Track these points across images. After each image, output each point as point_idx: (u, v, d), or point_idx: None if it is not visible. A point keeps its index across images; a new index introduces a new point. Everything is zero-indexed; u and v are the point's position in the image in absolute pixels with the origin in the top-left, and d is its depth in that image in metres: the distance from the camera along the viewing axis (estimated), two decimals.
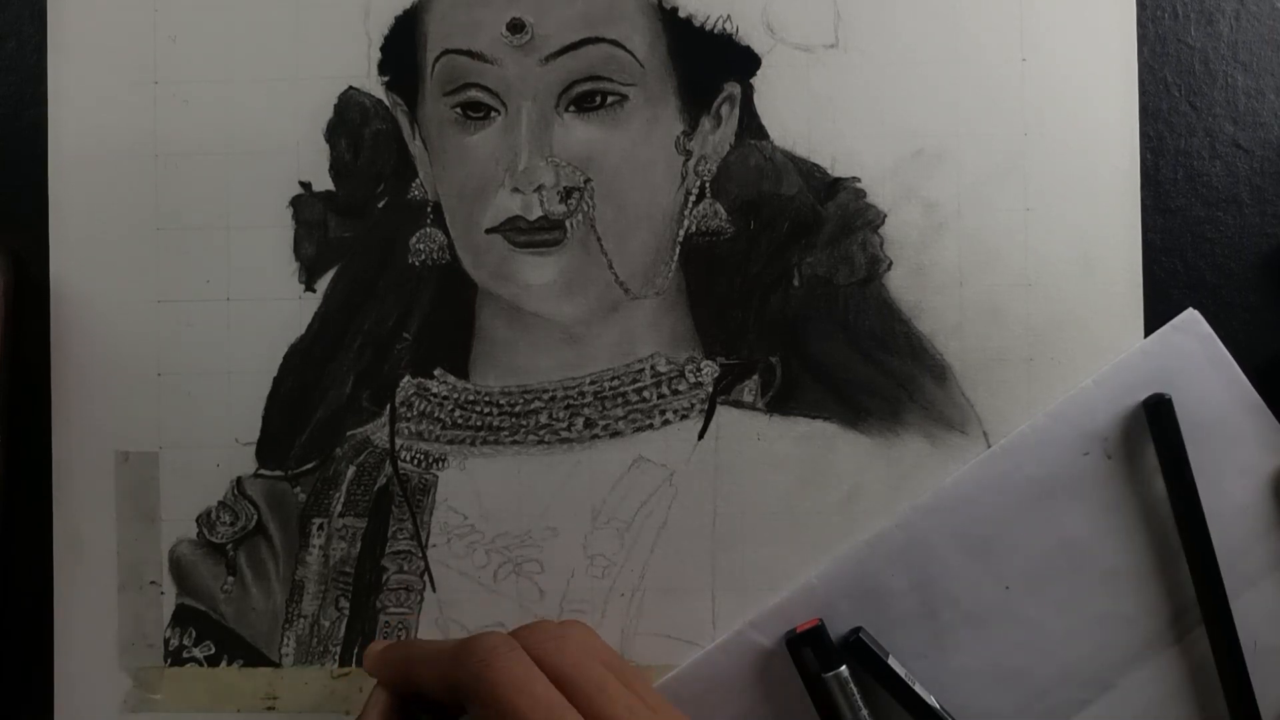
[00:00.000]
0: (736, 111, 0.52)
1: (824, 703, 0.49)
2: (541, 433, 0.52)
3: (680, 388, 0.52)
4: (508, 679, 0.42)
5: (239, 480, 0.52)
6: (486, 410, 0.52)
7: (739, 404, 0.52)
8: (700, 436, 0.52)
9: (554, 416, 0.52)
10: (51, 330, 0.52)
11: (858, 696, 0.49)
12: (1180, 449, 0.49)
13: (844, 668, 0.49)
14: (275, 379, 0.52)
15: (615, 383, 0.52)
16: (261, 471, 0.52)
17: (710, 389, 0.52)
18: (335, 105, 0.52)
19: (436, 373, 0.52)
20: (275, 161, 0.52)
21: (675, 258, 0.52)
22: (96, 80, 0.52)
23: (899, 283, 0.51)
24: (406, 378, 0.52)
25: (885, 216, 0.51)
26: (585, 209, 0.52)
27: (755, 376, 0.52)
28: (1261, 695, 0.49)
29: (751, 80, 0.52)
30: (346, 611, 0.52)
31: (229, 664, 0.52)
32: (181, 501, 0.52)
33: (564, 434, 0.52)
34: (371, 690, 0.47)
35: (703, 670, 0.51)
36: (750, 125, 0.52)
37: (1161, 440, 0.49)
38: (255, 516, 0.52)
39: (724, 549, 0.52)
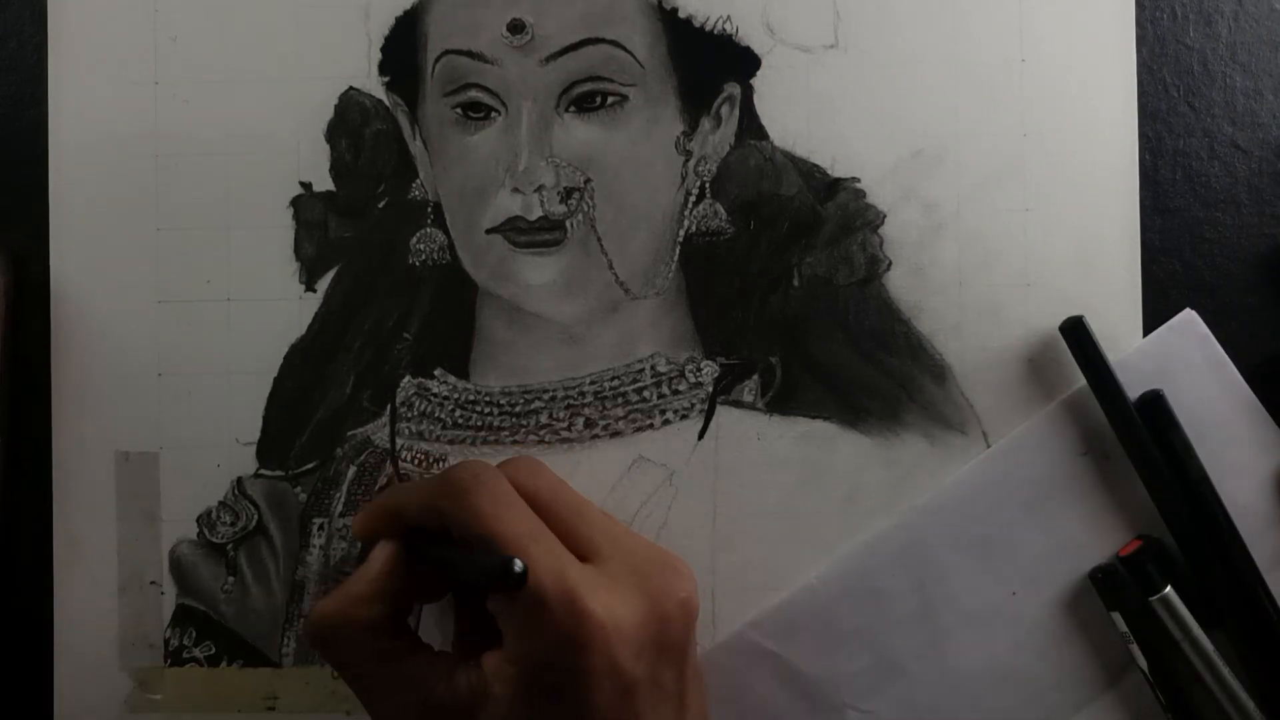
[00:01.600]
0: (736, 112, 0.52)
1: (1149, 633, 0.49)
2: (542, 433, 0.52)
3: (680, 388, 0.52)
4: (489, 504, 0.44)
5: (239, 480, 0.52)
6: (487, 410, 0.52)
7: (739, 404, 0.52)
8: (700, 436, 0.52)
9: (554, 416, 0.52)
10: (51, 330, 0.52)
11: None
12: (1184, 441, 0.49)
13: (1169, 589, 0.49)
14: (276, 379, 0.52)
15: (615, 383, 0.52)
16: (262, 471, 0.52)
17: (710, 389, 0.52)
18: (336, 105, 0.52)
19: (437, 373, 0.52)
20: (276, 161, 0.52)
21: (675, 258, 0.52)
22: (96, 80, 0.52)
23: (899, 283, 0.52)
24: (407, 378, 0.52)
25: (885, 217, 0.52)
26: (585, 209, 0.52)
27: (755, 376, 0.52)
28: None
29: (751, 81, 0.52)
30: None
31: (229, 664, 0.52)
32: (182, 501, 0.52)
33: (564, 434, 0.52)
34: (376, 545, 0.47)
35: (703, 670, 0.51)
36: (750, 125, 0.52)
37: (1160, 436, 0.49)
38: (256, 516, 0.52)
39: (724, 549, 0.52)
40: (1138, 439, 0.49)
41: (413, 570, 0.47)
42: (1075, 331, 0.50)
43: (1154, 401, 0.49)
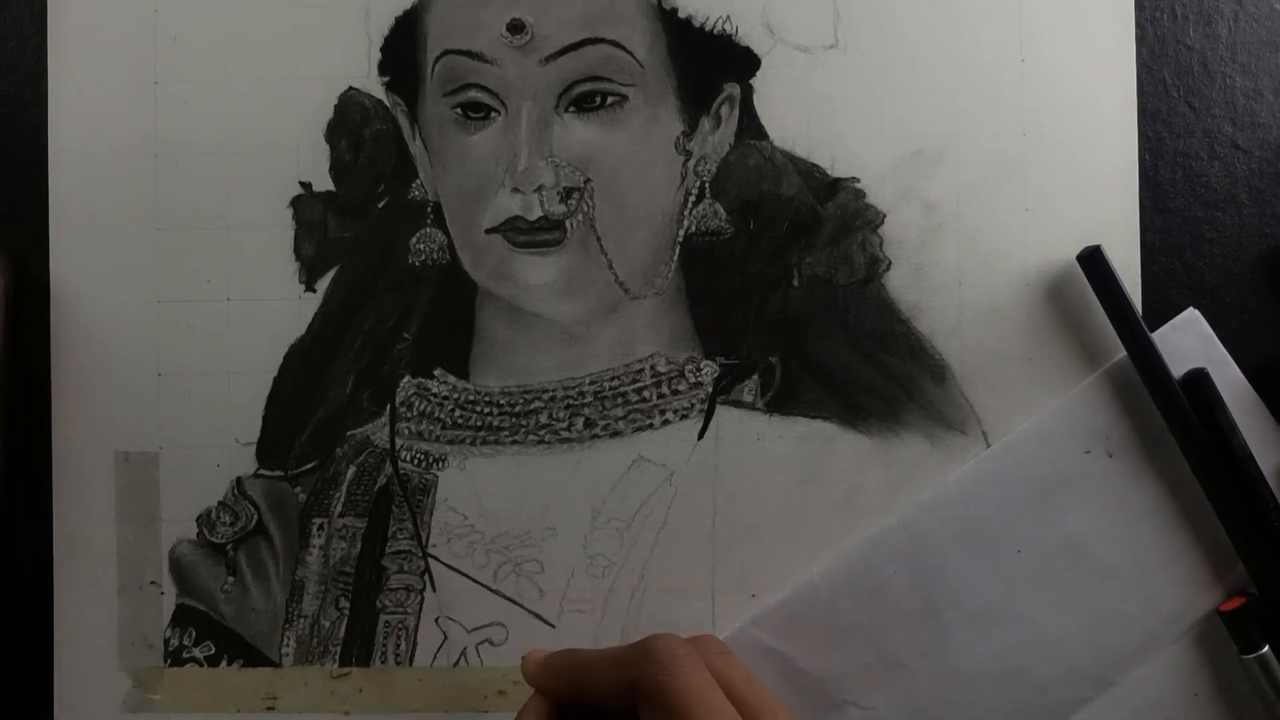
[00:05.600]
0: (736, 112, 0.52)
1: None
2: (541, 433, 0.52)
3: (680, 388, 0.52)
4: (687, 685, 0.42)
5: (239, 480, 0.52)
6: (486, 410, 0.52)
7: (739, 404, 0.52)
8: (700, 436, 0.52)
9: (554, 416, 0.52)
10: (51, 330, 0.52)
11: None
12: (1229, 420, 0.49)
13: (1267, 648, 0.49)
14: (275, 379, 0.52)
15: (615, 383, 0.52)
16: (261, 471, 0.52)
17: (710, 389, 0.52)
18: (335, 105, 0.52)
19: (436, 373, 0.52)
20: (275, 161, 0.52)
21: (675, 258, 0.52)
22: (96, 80, 0.52)
23: (898, 283, 0.52)
24: (406, 378, 0.52)
25: (885, 216, 0.52)
26: (585, 209, 0.52)
27: (755, 376, 0.52)
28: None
29: (751, 81, 0.52)
30: (347, 612, 0.52)
31: (229, 664, 0.52)
32: (181, 501, 0.52)
33: (564, 434, 0.52)
34: (528, 699, 0.47)
35: None
36: (750, 125, 0.52)
37: (1202, 413, 0.49)
38: (255, 516, 0.52)
39: (724, 549, 0.52)
40: (1183, 418, 0.49)
41: None
42: (1198, 384, 0.50)
43: (1198, 380, 0.49)
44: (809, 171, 0.52)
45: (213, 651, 0.52)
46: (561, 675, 0.46)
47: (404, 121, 0.52)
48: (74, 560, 0.52)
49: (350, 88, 0.52)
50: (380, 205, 0.52)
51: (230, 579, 0.52)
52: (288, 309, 0.52)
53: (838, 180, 0.52)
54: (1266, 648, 0.49)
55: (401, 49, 0.52)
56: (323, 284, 0.52)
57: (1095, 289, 0.50)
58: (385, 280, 0.52)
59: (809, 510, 0.51)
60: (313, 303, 0.52)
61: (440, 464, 0.52)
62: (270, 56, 0.52)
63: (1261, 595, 0.49)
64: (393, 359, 0.52)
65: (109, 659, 0.52)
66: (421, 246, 0.52)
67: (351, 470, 0.52)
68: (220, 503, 0.52)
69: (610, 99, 0.52)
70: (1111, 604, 0.50)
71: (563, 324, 0.52)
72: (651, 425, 0.52)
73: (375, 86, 0.52)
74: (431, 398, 0.52)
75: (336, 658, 0.52)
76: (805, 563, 0.51)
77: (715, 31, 0.52)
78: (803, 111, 0.52)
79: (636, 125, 0.52)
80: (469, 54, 0.52)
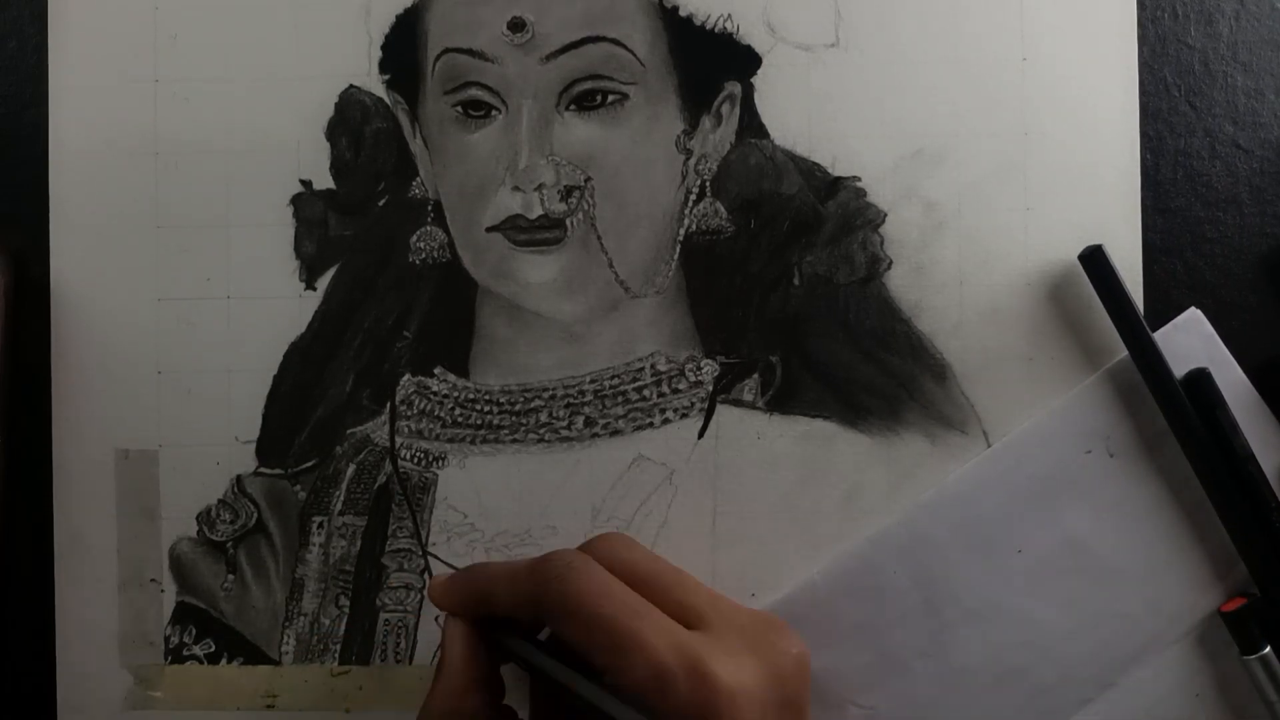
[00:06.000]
0: (737, 110, 0.52)
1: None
2: (541, 431, 0.52)
3: (680, 386, 0.52)
4: (588, 587, 0.43)
5: (239, 478, 0.52)
6: (486, 409, 0.52)
7: (739, 403, 0.52)
8: (700, 435, 0.52)
9: (554, 415, 0.52)
10: (51, 330, 0.52)
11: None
12: (1230, 421, 0.49)
13: (1269, 649, 0.49)
14: (275, 377, 0.52)
15: (615, 381, 0.52)
16: (261, 469, 0.52)
17: (710, 388, 0.52)
18: (336, 104, 0.52)
19: (436, 371, 0.52)
20: (276, 159, 0.52)
21: (675, 256, 0.52)
22: (97, 79, 0.53)
23: (899, 282, 0.52)
24: (406, 376, 0.52)
25: (885, 216, 0.52)
26: (586, 208, 0.52)
27: (755, 375, 0.52)
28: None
29: (752, 79, 0.52)
30: (346, 610, 0.52)
31: (229, 662, 0.52)
32: (182, 499, 0.52)
33: (564, 432, 0.52)
34: (445, 623, 0.47)
35: None
36: (751, 124, 0.52)
37: (1204, 413, 0.49)
38: (255, 514, 0.52)
39: (724, 548, 0.52)
40: (1185, 418, 0.49)
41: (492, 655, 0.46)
42: (1199, 383, 0.49)
43: (1199, 380, 0.49)
44: (810, 170, 0.52)
45: (213, 649, 0.52)
46: (467, 594, 0.46)
47: (404, 120, 0.52)
48: (74, 558, 0.52)
49: (351, 86, 0.52)
50: (381, 203, 0.52)
51: (230, 577, 0.52)
52: (288, 307, 0.52)
53: (838, 179, 0.52)
54: (1268, 648, 0.49)
55: (402, 47, 0.52)
56: (323, 282, 0.52)
57: (1097, 288, 0.50)
58: (385, 278, 0.52)
59: (809, 509, 0.51)
60: (313, 301, 0.52)
61: (440, 462, 0.52)
62: (271, 54, 0.52)
63: (1263, 595, 0.49)
64: (393, 357, 0.52)
65: (110, 656, 0.52)
66: (422, 245, 0.52)
67: (351, 468, 0.52)
68: (220, 501, 0.52)
69: (611, 97, 0.52)
70: (1112, 604, 0.50)
71: (563, 322, 0.52)
72: (652, 424, 0.52)
73: (376, 84, 0.52)
74: (431, 396, 0.52)
75: (336, 656, 0.52)
76: (805, 562, 0.51)
77: (716, 30, 0.52)
78: (803, 110, 0.52)
79: (637, 124, 0.52)
80: (470, 52, 0.52)
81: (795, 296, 0.52)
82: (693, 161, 0.52)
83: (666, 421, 0.52)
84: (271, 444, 0.52)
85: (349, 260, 0.52)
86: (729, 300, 0.52)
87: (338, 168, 0.52)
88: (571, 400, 0.52)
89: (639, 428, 0.52)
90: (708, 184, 0.52)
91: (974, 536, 0.51)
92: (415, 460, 0.52)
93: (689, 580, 0.46)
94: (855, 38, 0.52)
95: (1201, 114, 0.52)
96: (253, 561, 0.52)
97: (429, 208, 0.52)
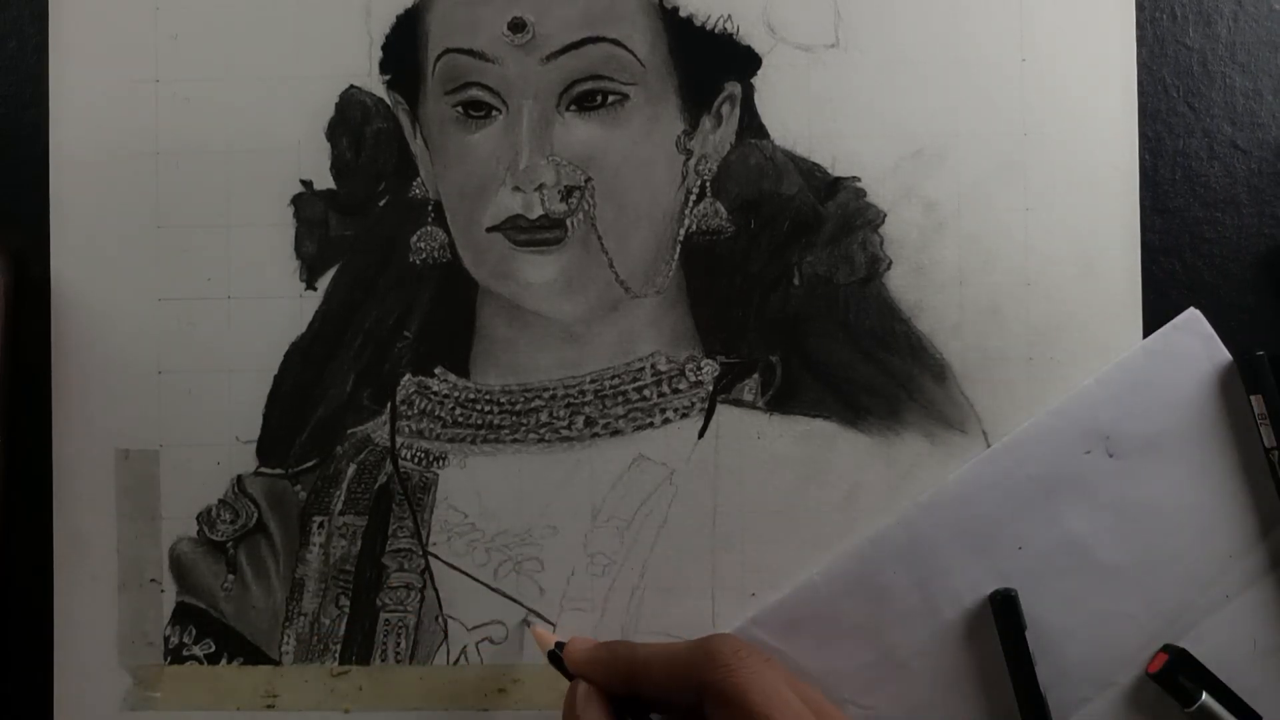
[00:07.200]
0: (737, 111, 0.52)
1: None
2: (542, 431, 0.52)
3: (680, 386, 0.52)
4: (762, 685, 0.43)
5: (239, 478, 0.52)
6: (487, 408, 0.52)
7: (739, 403, 0.52)
8: (700, 435, 0.52)
9: (554, 415, 0.52)
10: (51, 330, 0.52)
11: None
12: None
13: (1205, 695, 0.49)
14: (276, 377, 0.52)
15: (616, 381, 0.52)
16: (262, 469, 0.52)
17: (710, 388, 0.52)
18: (336, 104, 0.52)
19: (437, 371, 0.52)
20: (276, 160, 0.52)
21: (676, 256, 0.52)
22: (97, 80, 0.53)
23: (899, 282, 0.52)
24: (407, 376, 0.52)
25: (885, 216, 0.52)
26: (586, 208, 0.52)
27: (755, 375, 0.52)
28: (1263, 694, 0.50)
29: (752, 80, 0.52)
30: (347, 610, 0.52)
31: (229, 662, 0.52)
32: (182, 499, 0.52)
33: (564, 432, 0.52)
34: (574, 687, 0.47)
35: None
36: (751, 125, 0.52)
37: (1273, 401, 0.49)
38: (255, 514, 0.52)
39: (724, 548, 0.52)
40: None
41: None
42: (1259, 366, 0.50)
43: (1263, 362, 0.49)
44: (810, 171, 0.52)
45: (213, 649, 0.52)
46: (612, 669, 0.46)
47: (405, 120, 0.52)
48: (74, 558, 0.52)
49: (351, 86, 0.52)
50: (381, 204, 0.52)
51: (230, 577, 0.52)
52: (288, 307, 0.52)
53: (838, 179, 0.52)
54: (1204, 695, 0.49)
55: (403, 47, 0.52)
56: (323, 282, 0.52)
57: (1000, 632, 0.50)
58: (386, 278, 0.52)
59: (809, 509, 0.51)
60: (313, 301, 0.52)
61: (440, 462, 0.52)
62: (271, 55, 0.52)
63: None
64: (393, 357, 0.52)
65: (109, 656, 0.52)
66: (422, 245, 0.52)
67: (352, 468, 0.52)
68: (220, 501, 0.52)
69: (611, 98, 0.52)
70: (1111, 604, 0.50)
71: (563, 322, 0.52)
72: (652, 424, 0.52)
73: (376, 85, 0.52)
74: (432, 396, 0.52)
75: (336, 656, 0.52)
76: (805, 562, 0.51)
77: (716, 30, 0.52)
78: (803, 111, 0.52)
79: (637, 124, 0.52)
80: (470, 52, 0.52)
81: (795, 296, 0.52)
82: (693, 162, 0.52)
83: (667, 421, 0.52)
84: (272, 444, 0.52)
85: (349, 260, 0.52)
86: (729, 300, 0.52)
87: (338, 168, 0.52)
88: (572, 400, 0.52)
89: (639, 428, 0.52)
90: (708, 184, 0.52)
91: (973, 537, 0.51)
92: (416, 460, 0.52)
93: (825, 703, 0.45)
94: (855, 38, 0.52)
95: (1200, 115, 0.52)
96: (253, 561, 0.52)
97: (429, 208, 0.52)
